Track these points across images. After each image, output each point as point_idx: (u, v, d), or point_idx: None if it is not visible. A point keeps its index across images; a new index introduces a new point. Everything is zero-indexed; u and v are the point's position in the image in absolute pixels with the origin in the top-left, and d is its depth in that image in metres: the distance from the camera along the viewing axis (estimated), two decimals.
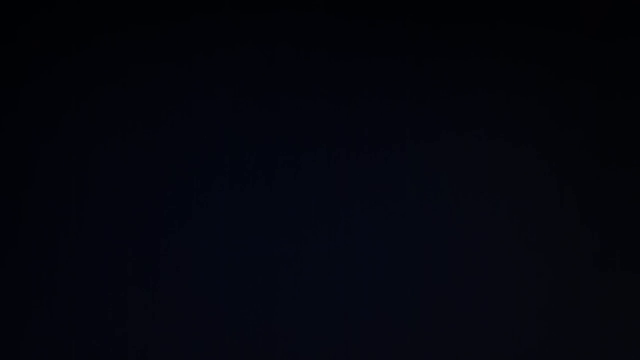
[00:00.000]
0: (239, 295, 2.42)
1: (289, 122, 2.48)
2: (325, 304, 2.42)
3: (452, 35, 2.52)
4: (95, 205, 2.44)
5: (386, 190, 2.47)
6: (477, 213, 2.47)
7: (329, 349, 2.41)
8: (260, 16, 2.51)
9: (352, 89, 2.50)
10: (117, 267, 2.42)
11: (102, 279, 2.41)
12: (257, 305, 2.42)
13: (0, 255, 2.41)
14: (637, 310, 2.44)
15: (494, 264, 2.45)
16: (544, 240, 2.47)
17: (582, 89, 2.52)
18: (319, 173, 2.47)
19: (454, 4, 2.53)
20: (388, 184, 2.47)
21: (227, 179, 2.46)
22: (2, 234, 2.42)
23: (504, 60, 2.52)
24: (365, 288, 2.43)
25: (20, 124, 2.46)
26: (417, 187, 2.47)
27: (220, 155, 2.47)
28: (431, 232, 2.45)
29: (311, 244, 2.44)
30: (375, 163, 2.47)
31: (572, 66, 2.52)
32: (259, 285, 2.43)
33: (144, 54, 2.49)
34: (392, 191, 2.47)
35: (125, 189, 2.44)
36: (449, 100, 2.50)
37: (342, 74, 2.50)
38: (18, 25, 2.49)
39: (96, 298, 2.41)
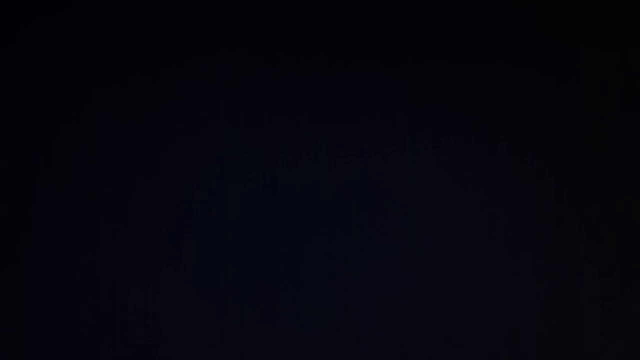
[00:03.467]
0: (238, 295, 2.42)
1: (289, 124, 2.49)
2: (325, 304, 2.42)
3: (453, 39, 2.52)
4: (95, 205, 2.43)
5: (386, 193, 2.47)
6: (477, 216, 2.47)
7: (329, 349, 2.41)
8: (260, 17, 2.51)
9: (353, 92, 2.50)
10: (116, 267, 2.41)
11: (102, 279, 2.41)
12: (257, 305, 2.41)
13: (0, 255, 2.41)
14: (637, 315, 2.44)
15: (493, 267, 2.45)
16: (544, 245, 2.47)
17: (583, 93, 2.52)
18: (319, 175, 2.47)
19: (454, 8, 2.53)
20: (388, 186, 2.47)
21: (227, 180, 2.46)
22: (2, 233, 2.42)
23: (504, 65, 2.52)
24: (366, 289, 2.43)
25: (20, 124, 2.46)
26: (417, 190, 2.47)
27: (220, 157, 2.47)
28: (430, 235, 2.45)
29: (311, 245, 2.44)
30: (375, 165, 2.47)
31: (572, 71, 2.52)
32: (259, 285, 2.42)
33: (144, 55, 2.49)
34: (392, 194, 2.47)
35: (125, 189, 2.44)
36: (449, 104, 2.50)
37: (341, 78, 2.51)
38: (18, 26, 2.50)
39: (95, 298, 2.40)
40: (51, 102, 2.47)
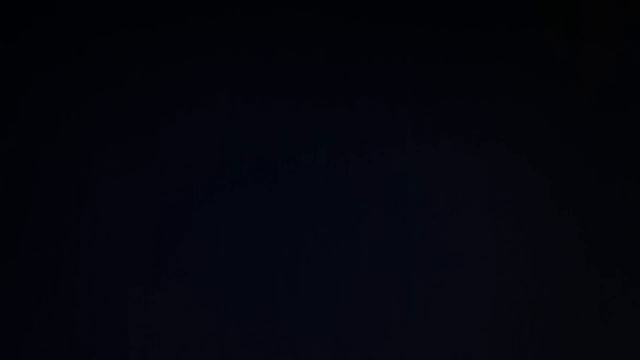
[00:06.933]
0: (238, 297, 2.42)
1: (289, 125, 2.49)
2: (325, 305, 2.42)
3: (452, 39, 2.53)
4: (96, 207, 2.43)
5: (386, 193, 2.47)
6: (476, 216, 2.47)
7: (329, 349, 2.41)
8: (260, 19, 2.52)
9: (352, 92, 2.50)
10: (116, 268, 2.41)
11: (102, 280, 2.41)
12: (257, 306, 2.41)
13: (1, 256, 2.42)
14: (634, 317, 2.44)
15: (492, 267, 2.45)
16: (541, 245, 2.47)
17: (582, 94, 2.52)
18: (319, 176, 2.47)
19: (454, 8, 2.54)
20: (388, 187, 2.47)
21: (227, 181, 2.46)
22: (3, 236, 2.42)
23: (504, 65, 2.52)
24: (366, 290, 2.43)
25: (20, 128, 2.46)
26: (416, 190, 2.47)
27: (220, 158, 2.47)
28: (430, 234, 2.45)
29: (311, 246, 2.44)
30: (375, 166, 2.48)
31: (572, 71, 2.53)
32: (259, 286, 2.42)
33: (144, 57, 2.50)
34: (391, 194, 2.47)
35: (125, 191, 2.44)
36: (449, 104, 2.51)
37: (342, 77, 2.51)
38: (18, 28, 2.50)
39: (96, 299, 2.40)
40: (51, 100, 2.47)
